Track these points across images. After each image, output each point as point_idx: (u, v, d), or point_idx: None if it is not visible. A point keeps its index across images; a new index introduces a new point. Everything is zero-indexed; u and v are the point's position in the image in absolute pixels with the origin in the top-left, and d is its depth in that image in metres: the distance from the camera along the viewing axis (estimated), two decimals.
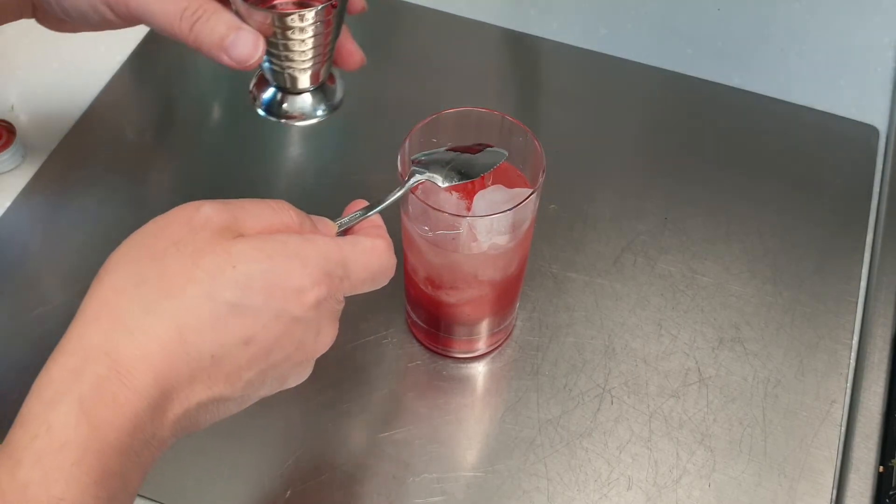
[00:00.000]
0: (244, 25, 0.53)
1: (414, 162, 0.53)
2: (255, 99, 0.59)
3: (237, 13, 0.53)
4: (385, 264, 0.47)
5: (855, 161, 0.78)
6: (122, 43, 0.83)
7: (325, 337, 0.45)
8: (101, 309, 0.40)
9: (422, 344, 0.67)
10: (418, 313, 0.64)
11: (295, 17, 0.53)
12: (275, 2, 0.58)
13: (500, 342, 0.67)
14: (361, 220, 0.48)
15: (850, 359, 0.67)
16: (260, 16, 0.53)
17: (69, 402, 0.37)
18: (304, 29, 0.54)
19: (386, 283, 0.47)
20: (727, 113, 0.81)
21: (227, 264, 0.40)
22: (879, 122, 0.80)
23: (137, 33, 0.84)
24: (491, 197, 0.56)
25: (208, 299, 0.40)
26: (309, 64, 0.56)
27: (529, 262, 0.64)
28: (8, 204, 0.73)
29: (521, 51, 0.86)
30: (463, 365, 0.66)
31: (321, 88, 0.59)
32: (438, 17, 0.87)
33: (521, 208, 0.53)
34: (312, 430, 0.63)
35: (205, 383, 0.40)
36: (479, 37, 0.86)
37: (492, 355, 0.66)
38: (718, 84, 0.83)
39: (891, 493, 0.60)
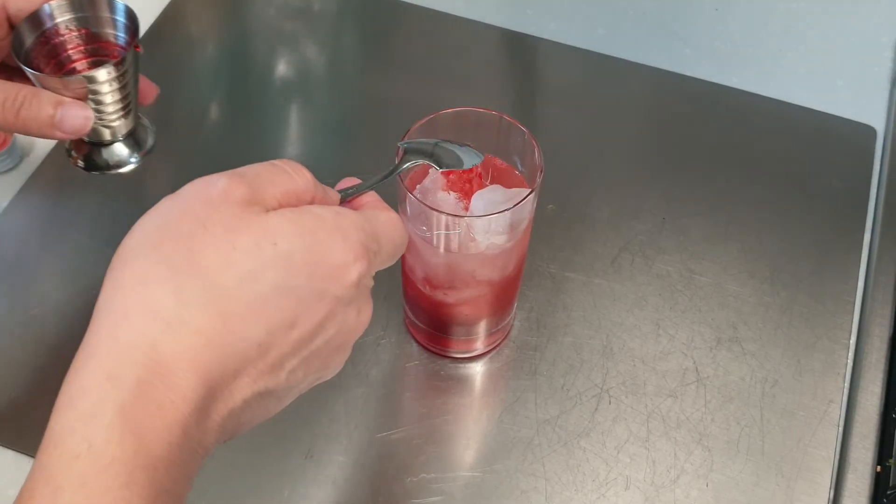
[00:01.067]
0: (65, 99, 0.55)
1: (405, 149, 0.52)
2: (70, 155, 0.62)
3: (46, 87, 0.55)
4: (405, 236, 0.45)
5: (852, 161, 0.78)
6: None
7: (364, 316, 0.42)
8: (131, 303, 0.35)
9: (420, 344, 0.67)
10: (416, 313, 0.64)
11: (102, 72, 0.55)
12: (71, 65, 0.60)
13: (498, 342, 0.67)
14: (358, 195, 0.46)
15: (847, 359, 0.67)
16: (74, 84, 0.55)
17: (110, 413, 0.33)
18: (111, 81, 0.56)
19: (397, 259, 0.45)
20: (725, 113, 0.82)
21: (266, 242, 0.37)
22: (877, 122, 0.81)
23: None
24: (489, 197, 0.56)
25: (251, 282, 0.36)
26: (118, 115, 0.59)
27: (527, 261, 0.64)
28: (6, 204, 0.73)
29: (519, 51, 0.86)
30: (461, 365, 0.66)
31: (132, 136, 0.62)
32: (437, 17, 0.87)
33: (519, 208, 0.53)
34: (310, 430, 0.63)
35: (250, 376, 0.37)
36: (477, 37, 0.86)
37: (490, 355, 0.66)
38: (716, 84, 0.83)
39: (888, 492, 0.60)
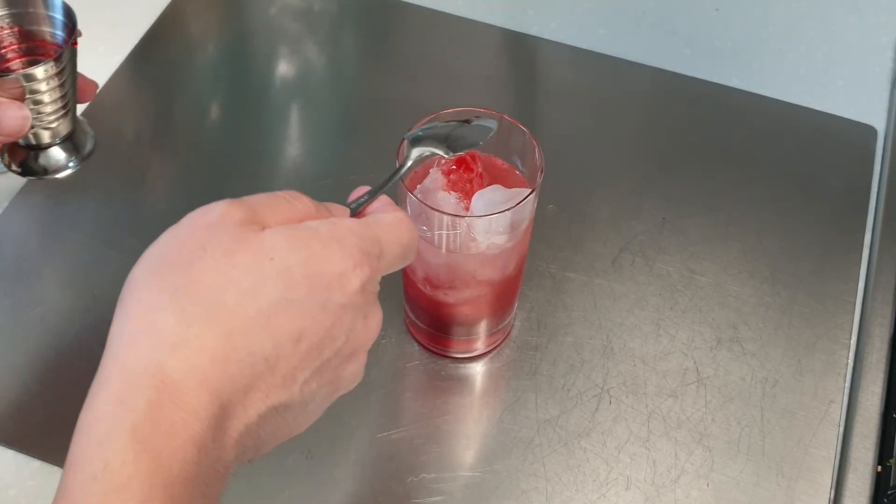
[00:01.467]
0: (1, 99, 0.53)
1: (411, 140, 0.51)
2: (2, 159, 0.60)
3: None
4: (413, 236, 0.44)
5: (853, 161, 0.78)
6: (120, 43, 0.83)
7: (373, 322, 0.42)
8: (137, 331, 0.36)
9: (420, 344, 0.67)
10: (417, 313, 0.64)
11: (39, 70, 0.54)
12: (5, 64, 0.59)
13: (498, 342, 0.67)
14: (370, 203, 0.46)
15: (847, 359, 0.67)
16: (9, 83, 0.53)
17: (123, 435, 0.34)
18: (49, 80, 0.55)
19: (412, 259, 0.45)
20: (725, 113, 0.82)
21: (263, 258, 0.37)
22: (877, 122, 0.80)
23: (135, 34, 0.84)
24: (489, 197, 0.56)
25: (251, 298, 0.37)
26: (56, 115, 0.57)
27: (528, 262, 0.64)
28: (6, 204, 0.73)
29: (520, 51, 0.86)
30: (461, 365, 0.66)
31: (70, 140, 0.60)
32: (438, 17, 0.87)
33: (520, 208, 0.53)
34: (310, 430, 0.63)
35: (262, 391, 0.37)
36: (478, 37, 0.86)
37: (490, 355, 0.66)
38: (717, 84, 0.83)
39: (889, 492, 0.60)
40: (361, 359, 0.43)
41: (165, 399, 0.35)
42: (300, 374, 0.39)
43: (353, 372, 0.42)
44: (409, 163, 0.50)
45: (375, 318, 0.42)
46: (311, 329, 0.38)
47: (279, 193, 0.41)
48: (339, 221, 0.41)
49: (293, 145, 0.80)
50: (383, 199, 0.46)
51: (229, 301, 0.37)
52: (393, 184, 0.48)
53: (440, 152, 0.50)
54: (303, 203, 0.41)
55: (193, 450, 0.35)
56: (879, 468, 0.62)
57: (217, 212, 0.39)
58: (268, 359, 0.37)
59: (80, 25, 0.58)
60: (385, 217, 0.43)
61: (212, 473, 0.36)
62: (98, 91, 0.62)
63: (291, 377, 0.38)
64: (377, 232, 0.42)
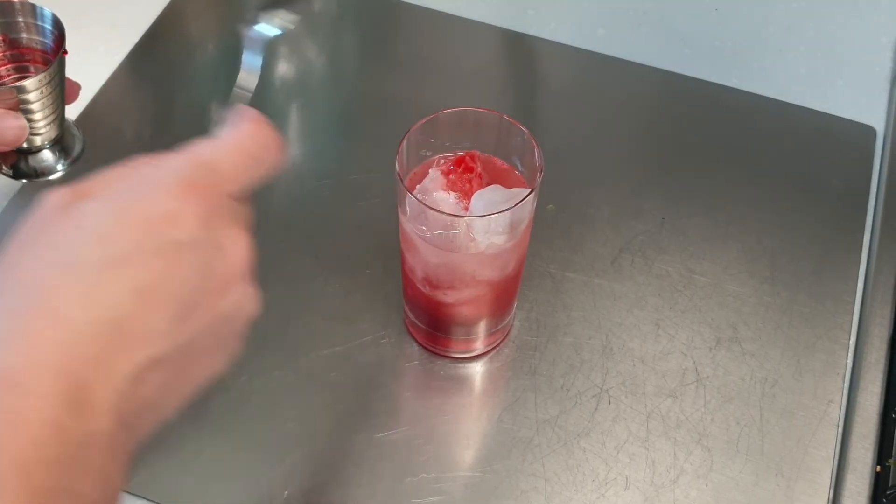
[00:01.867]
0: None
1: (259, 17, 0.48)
2: None
3: None
4: (258, 138, 0.41)
5: (852, 161, 0.78)
6: (120, 43, 0.83)
7: (235, 248, 0.39)
8: None
9: (420, 344, 0.67)
10: (416, 313, 0.64)
11: (34, 80, 0.55)
12: None
13: (497, 342, 0.67)
14: (229, 117, 0.42)
15: (847, 359, 0.67)
16: (5, 94, 0.54)
17: None
18: (42, 89, 0.56)
19: (281, 157, 0.42)
20: (725, 113, 0.82)
21: (72, 228, 0.36)
22: (877, 122, 0.81)
23: (135, 34, 0.84)
24: (489, 197, 0.56)
25: (70, 270, 0.35)
26: (47, 121, 0.58)
27: (527, 262, 0.65)
28: (6, 204, 0.73)
29: (519, 51, 0.86)
30: (461, 365, 0.66)
31: (59, 143, 0.61)
32: (438, 17, 0.87)
33: (519, 208, 0.53)
34: (310, 430, 0.63)
35: (123, 354, 0.36)
36: (477, 37, 0.86)
37: (490, 355, 0.66)
38: (716, 84, 0.83)
39: (888, 492, 0.60)
40: (239, 289, 0.40)
41: (8, 393, 0.34)
42: (160, 324, 0.37)
43: (233, 304, 0.39)
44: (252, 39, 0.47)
45: (237, 245, 0.39)
46: (149, 278, 0.36)
47: (114, 167, 0.40)
48: (157, 164, 0.39)
49: (293, 145, 0.80)
50: (240, 112, 0.43)
51: (51, 281, 0.36)
52: (250, 71, 0.44)
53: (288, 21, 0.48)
54: (141, 163, 0.40)
55: (50, 431, 0.34)
56: (878, 468, 0.62)
57: (44, 201, 0.38)
58: (112, 321, 0.36)
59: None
60: (222, 133, 0.41)
61: (86, 447, 0.35)
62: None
63: (151, 330, 0.36)
64: (204, 156, 0.40)
